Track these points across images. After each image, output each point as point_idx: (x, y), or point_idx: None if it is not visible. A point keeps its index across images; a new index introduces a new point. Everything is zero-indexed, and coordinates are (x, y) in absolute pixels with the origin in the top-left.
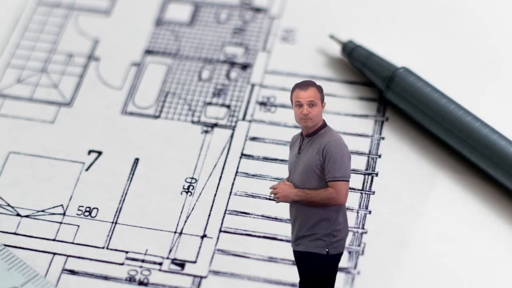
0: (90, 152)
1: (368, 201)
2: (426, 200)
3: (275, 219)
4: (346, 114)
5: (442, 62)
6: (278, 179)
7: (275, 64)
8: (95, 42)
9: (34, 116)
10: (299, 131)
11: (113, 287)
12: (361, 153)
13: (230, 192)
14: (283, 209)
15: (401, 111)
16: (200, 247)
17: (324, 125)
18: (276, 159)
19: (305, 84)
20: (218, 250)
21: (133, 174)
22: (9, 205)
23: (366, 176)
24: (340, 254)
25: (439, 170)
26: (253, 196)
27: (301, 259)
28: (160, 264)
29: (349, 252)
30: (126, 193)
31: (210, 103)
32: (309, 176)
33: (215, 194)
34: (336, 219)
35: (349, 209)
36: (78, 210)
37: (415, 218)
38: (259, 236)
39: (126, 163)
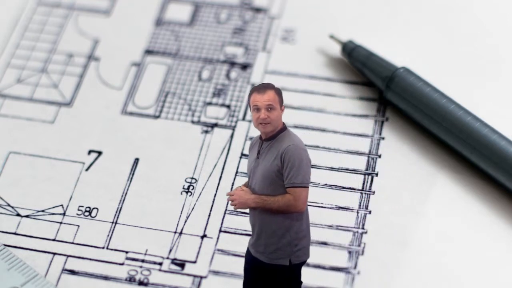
0: (90, 152)
1: (368, 201)
2: (426, 200)
3: None
4: (346, 114)
5: (442, 62)
6: None
7: (275, 64)
8: (95, 42)
9: (34, 116)
10: (299, 131)
11: (113, 287)
12: (361, 153)
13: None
14: None
15: (401, 111)
16: (200, 247)
17: (284, 128)
18: None
19: (262, 87)
20: (218, 250)
21: (133, 174)
22: (9, 205)
23: (366, 176)
24: (304, 261)
25: (439, 170)
26: None
27: (261, 268)
28: (160, 264)
29: (349, 252)
30: (126, 193)
31: (210, 103)
32: (268, 181)
33: (215, 194)
34: (299, 226)
35: (349, 209)
36: (78, 210)
37: (415, 218)
38: None
39: (126, 163)
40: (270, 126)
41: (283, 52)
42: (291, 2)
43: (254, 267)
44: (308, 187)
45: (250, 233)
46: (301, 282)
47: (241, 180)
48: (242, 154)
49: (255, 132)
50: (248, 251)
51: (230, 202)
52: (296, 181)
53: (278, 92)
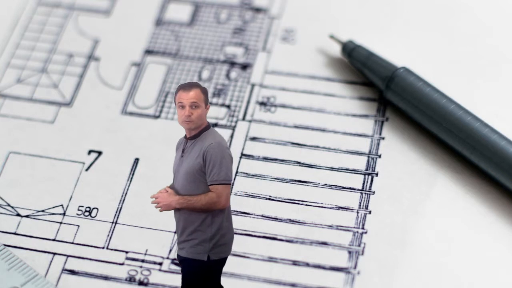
0: (90, 152)
1: (368, 201)
2: (426, 200)
3: (275, 219)
4: (346, 114)
5: (442, 62)
6: (278, 179)
7: (275, 64)
8: (95, 42)
9: (34, 116)
10: (299, 131)
11: (113, 287)
12: (361, 153)
13: (230, 192)
14: (284, 209)
15: (401, 111)
16: None
17: (208, 127)
18: (276, 159)
19: (188, 86)
20: None
21: (133, 174)
22: (9, 205)
23: (366, 176)
24: (224, 259)
25: (439, 170)
26: (253, 196)
27: (183, 264)
28: (160, 264)
29: (349, 252)
30: (126, 193)
31: (210, 103)
32: (191, 180)
33: None
34: (220, 223)
35: (349, 209)
36: (78, 210)
37: (415, 218)
38: (259, 236)
39: (126, 163)
40: (193, 124)
41: (283, 52)
42: (291, 2)
43: (180, 263)
44: (230, 184)
45: (250, 233)
46: (222, 287)
47: (241, 180)
48: (242, 154)
49: (256, 132)
50: (177, 256)
51: (155, 204)
52: (218, 178)
53: (204, 91)
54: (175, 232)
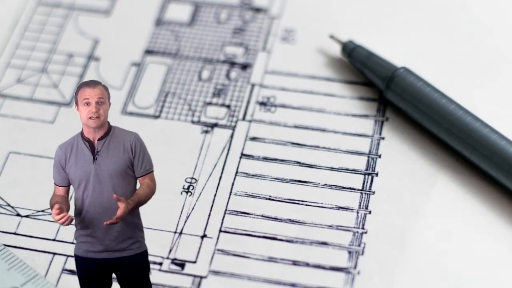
0: None
1: (368, 201)
2: (426, 200)
3: (275, 219)
4: (346, 114)
5: (442, 62)
6: (278, 179)
7: (275, 64)
8: (95, 42)
9: (34, 116)
10: (299, 131)
11: (113, 287)
12: (361, 153)
13: (230, 192)
14: (284, 209)
15: (401, 111)
16: (200, 247)
17: (110, 125)
18: (276, 159)
19: (93, 83)
20: (218, 250)
21: None
22: (9, 205)
23: (366, 176)
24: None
25: (439, 170)
26: (253, 196)
27: (130, 263)
28: (160, 264)
29: (349, 252)
30: None
31: (210, 103)
32: (122, 177)
33: (215, 194)
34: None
35: (349, 209)
36: None
37: (415, 218)
38: (259, 236)
39: None
40: (100, 121)
41: (283, 52)
42: (291, 2)
43: (106, 271)
44: None
45: (250, 233)
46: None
47: (241, 180)
48: (242, 154)
49: (256, 132)
50: (89, 260)
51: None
52: (150, 167)
53: (106, 88)
54: (175, 232)
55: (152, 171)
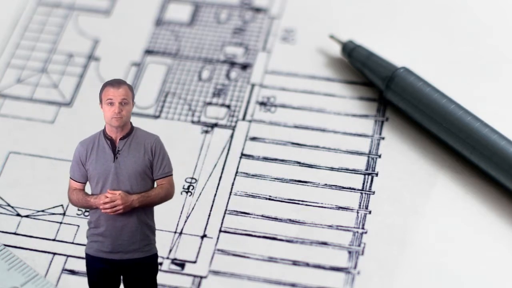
0: None
1: (368, 201)
2: (426, 200)
3: (275, 219)
4: (346, 114)
5: (442, 62)
6: (278, 179)
7: (275, 64)
8: (95, 42)
9: (34, 116)
10: (299, 131)
11: None
12: (361, 153)
13: (230, 192)
14: (284, 209)
15: (401, 111)
16: (200, 247)
17: (132, 125)
18: (276, 159)
19: (117, 83)
20: (218, 250)
21: None
22: (9, 205)
23: (366, 176)
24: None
25: (439, 170)
26: (253, 196)
27: (140, 265)
28: (160, 264)
29: (349, 252)
30: None
31: (210, 103)
32: (140, 177)
33: (215, 194)
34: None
35: (349, 209)
36: (78, 210)
37: (415, 218)
38: (259, 236)
39: None
40: (123, 121)
41: (283, 52)
42: (291, 2)
43: (115, 272)
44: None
45: (250, 233)
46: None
47: (241, 180)
48: (242, 154)
49: (256, 132)
50: (100, 259)
51: (112, 208)
52: (169, 170)
53: (131, 88)
54: (175, 232)
55: (171, 175)
